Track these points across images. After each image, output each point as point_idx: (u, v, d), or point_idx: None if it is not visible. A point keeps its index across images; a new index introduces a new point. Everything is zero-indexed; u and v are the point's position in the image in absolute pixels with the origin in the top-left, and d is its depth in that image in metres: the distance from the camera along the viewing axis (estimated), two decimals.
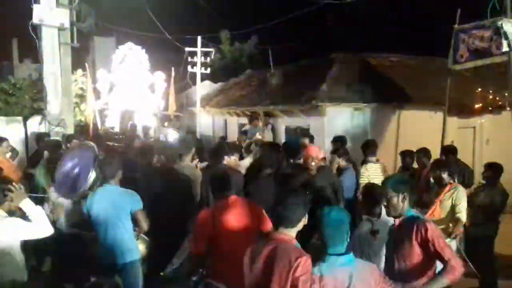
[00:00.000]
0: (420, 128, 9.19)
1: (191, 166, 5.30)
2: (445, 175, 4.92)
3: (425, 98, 9.60)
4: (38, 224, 3.43)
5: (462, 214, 4.73)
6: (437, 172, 5.00)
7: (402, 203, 3.08)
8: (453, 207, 4.77)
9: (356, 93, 9.97)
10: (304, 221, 2.81)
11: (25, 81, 11.71)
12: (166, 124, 15.00)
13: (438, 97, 8.76)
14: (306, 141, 6.90)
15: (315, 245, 3.09)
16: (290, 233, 2.77)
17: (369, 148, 6.41)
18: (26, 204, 3.44)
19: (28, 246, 3.98)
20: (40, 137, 7.45)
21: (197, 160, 5.64)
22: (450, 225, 4.74)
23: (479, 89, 10.10)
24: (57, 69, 8.46)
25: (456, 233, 4.72)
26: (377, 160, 6.38)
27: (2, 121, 7.93)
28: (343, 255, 2.59)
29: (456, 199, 4.77)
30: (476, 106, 9.97)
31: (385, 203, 3.18)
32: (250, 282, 2.80)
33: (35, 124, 8.63)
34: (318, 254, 2.67)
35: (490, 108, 9.98)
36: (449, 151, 6.59)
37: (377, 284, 2.58)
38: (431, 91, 9.61)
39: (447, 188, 4.88)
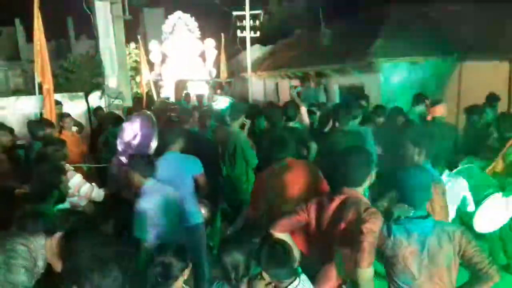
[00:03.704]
0: (483, 80, 8.63)
1: (236, 131, 5.33)
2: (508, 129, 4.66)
3: (489, 48, 8.95)
4: None
5: None
6: (500, 125, 4.78)
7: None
8: None
9: (413, 46, 9.48)
10: (369, 179, 2.64)
11: (83, 57, 12.21)
12: (218, 91, 15.12)
13: (503, 46, 8.17)
14: (363, 103, 6.73)
15: None
16: (358, 190, 2.61)
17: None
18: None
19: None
20: (95, 111, 7.86)
21: (247, 125, 5.67)
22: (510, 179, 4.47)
23: None
24: (111, 43, 8.72)
25: None
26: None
27: (65, 97, 8.32)
28: (423, 219, 2.40)
29: None
30: None
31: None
32: (316, 236, 2.70)
33: (95, 99, 9.02)
34: None
35: None
36: None
37: (458, 250, 2.34)
38: (495, 40, 8.96)
39: (511, 142, 4.61)
